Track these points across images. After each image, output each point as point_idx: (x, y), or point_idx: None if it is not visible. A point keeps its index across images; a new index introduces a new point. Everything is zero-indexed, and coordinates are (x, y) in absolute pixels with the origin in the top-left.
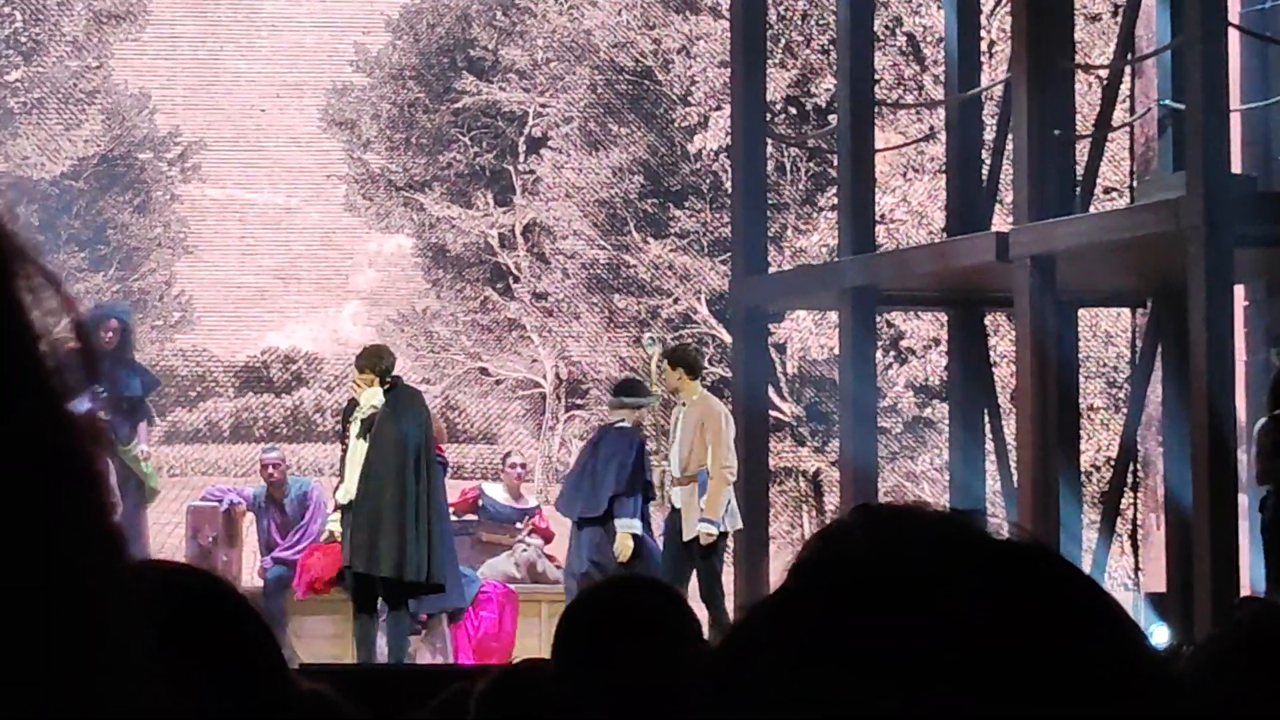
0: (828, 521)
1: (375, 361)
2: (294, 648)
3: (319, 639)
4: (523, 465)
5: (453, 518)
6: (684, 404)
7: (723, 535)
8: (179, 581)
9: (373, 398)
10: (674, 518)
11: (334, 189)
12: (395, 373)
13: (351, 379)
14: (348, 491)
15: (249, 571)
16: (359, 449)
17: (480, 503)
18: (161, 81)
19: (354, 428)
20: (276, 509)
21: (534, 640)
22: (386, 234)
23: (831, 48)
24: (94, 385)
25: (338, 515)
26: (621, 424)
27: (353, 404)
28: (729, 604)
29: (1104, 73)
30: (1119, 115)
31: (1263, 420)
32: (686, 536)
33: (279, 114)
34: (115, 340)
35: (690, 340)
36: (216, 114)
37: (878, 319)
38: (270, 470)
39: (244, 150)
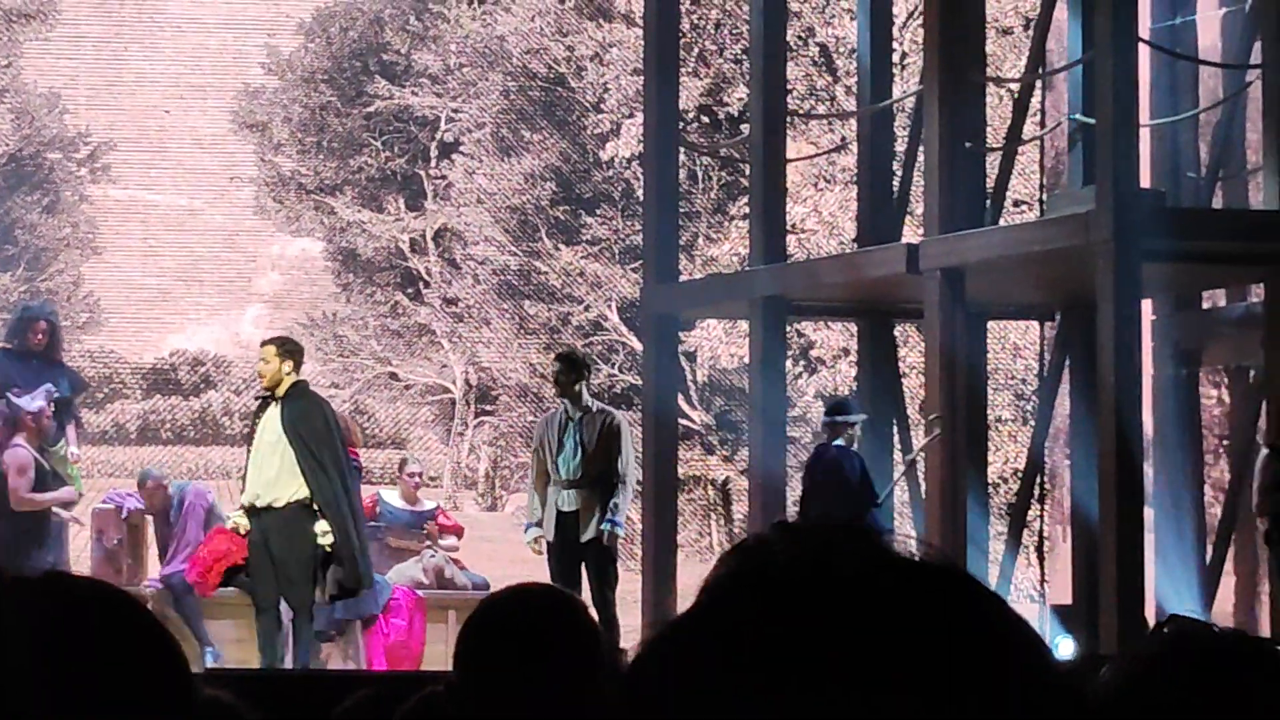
0: (737, 531)
1: (290, 353)
2: (215, 642)
3: (224, 643)
4: (420, 473)
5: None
6: (583, 409)
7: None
8: (69, 592)
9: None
10: (565, 520)
11: (238, 191)
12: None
13: (264, 359)
14: (253, 494)
15: (154, 574)
16: (265, 449)
17: (378, 509)
18: (66, 81)
19: (265, 427)
20: (162, 519)
21: (441, 647)
22: (291, 238)
23: (744, 57)
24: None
25: (240, 511)
26: (838, 443)
27: (264, 405)
28: (637, 611)
29: (1015, 86)
30: (1029, 129)
31: (1264, 452)
32: (585, 537)
33: (183, 115)
34: (45, 341)
35: (599, 347)
36: (120, 114)
37: (788, 329)
38: (149, 500)
39: (147, 151)
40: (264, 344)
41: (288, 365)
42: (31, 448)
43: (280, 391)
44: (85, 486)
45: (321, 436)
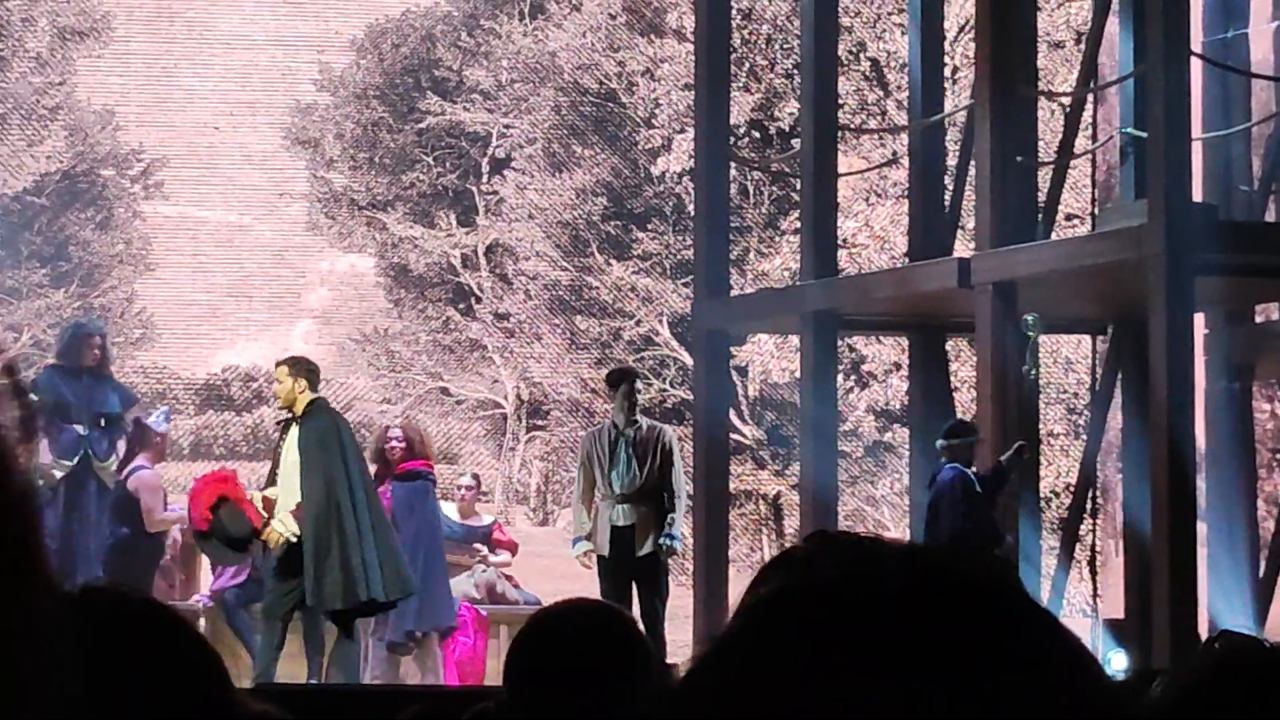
0: (788, 545)
1: (302, 372)
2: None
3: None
4: (469, 486)
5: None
6: (634, 424)
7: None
8: (118, 608)
9: (305, 408)
10: (619, 535)
11: (287, 207)
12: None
13: (278, 380)
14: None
15: (208, 588)
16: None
17: None
18: (117, 99)
19: (288, 447)
20: None
21: (493, 663)
22: (341, 253)
23: (795, 72)
24: (28, 443)
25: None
26: (951, 465)
27: (286, 426)
28: (688, 626)
29: (1067, 100)
30: (1081, 142)
31: None
32: (642, 552)
33: (232, 131)
34: (100, 358)
35: (650, 362)
36: (170, 131)
37: (839, 343)
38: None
39: (197, 168)
40: (277, 365)
41: (301, 384)
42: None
43: (298, 410)
44: None
45: (328, 453)
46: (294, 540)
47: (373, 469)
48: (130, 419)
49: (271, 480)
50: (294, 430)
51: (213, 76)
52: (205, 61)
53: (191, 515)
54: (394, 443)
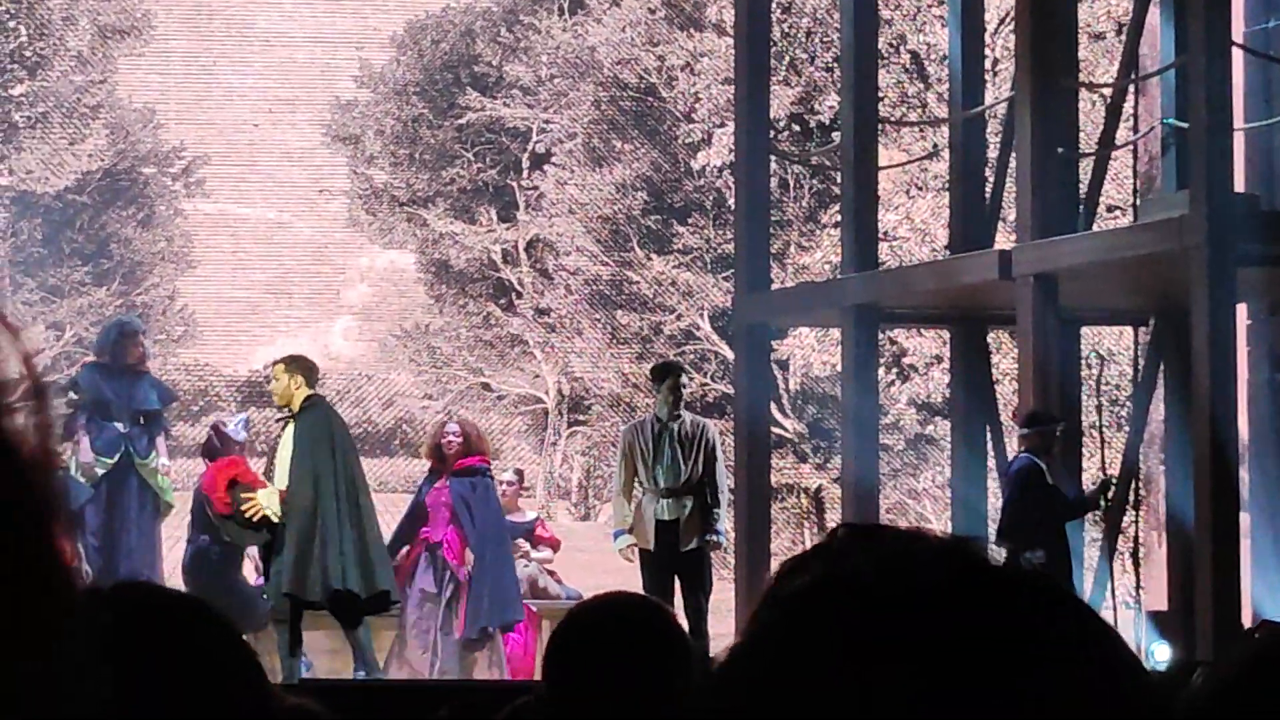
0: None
1: (297, 370)
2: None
3: (319, 654)
4: (511, 482)
5: None
6: (679, 416)
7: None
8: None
9: (300, 403)
10: (663, 529)
11: (326, 204)
12: (318, 390)
13: (275, 378)
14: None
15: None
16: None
17: None
18: (156, 96)
19: (283, 443)
20: None
21: (534, 658)
22: (380, 250)
23: (835, 65)
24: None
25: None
26: (1025, 454)
27: (286, 424)
28: (730, 620)
29: (1107, 91)
30: (1122, 134)
31: None
32: (687, 547)
33: (271, 129)
34: (143, 355)
35: (691, 356)
36: (210, 129)
37: (880, 336)
38: None
39: (236, 165)
40: (274, 363)
41: (297, 380)
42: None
43: (295, 407)
44: (182, 500)
45: (319, 448)
46: (275, 521)
47: (428, 464)
48: (211, 425)
49: (269, 477)
50: (290, 427)
51: (252, 74)
52: (244, 59)
53: (215, 505)
54: (450, 438)
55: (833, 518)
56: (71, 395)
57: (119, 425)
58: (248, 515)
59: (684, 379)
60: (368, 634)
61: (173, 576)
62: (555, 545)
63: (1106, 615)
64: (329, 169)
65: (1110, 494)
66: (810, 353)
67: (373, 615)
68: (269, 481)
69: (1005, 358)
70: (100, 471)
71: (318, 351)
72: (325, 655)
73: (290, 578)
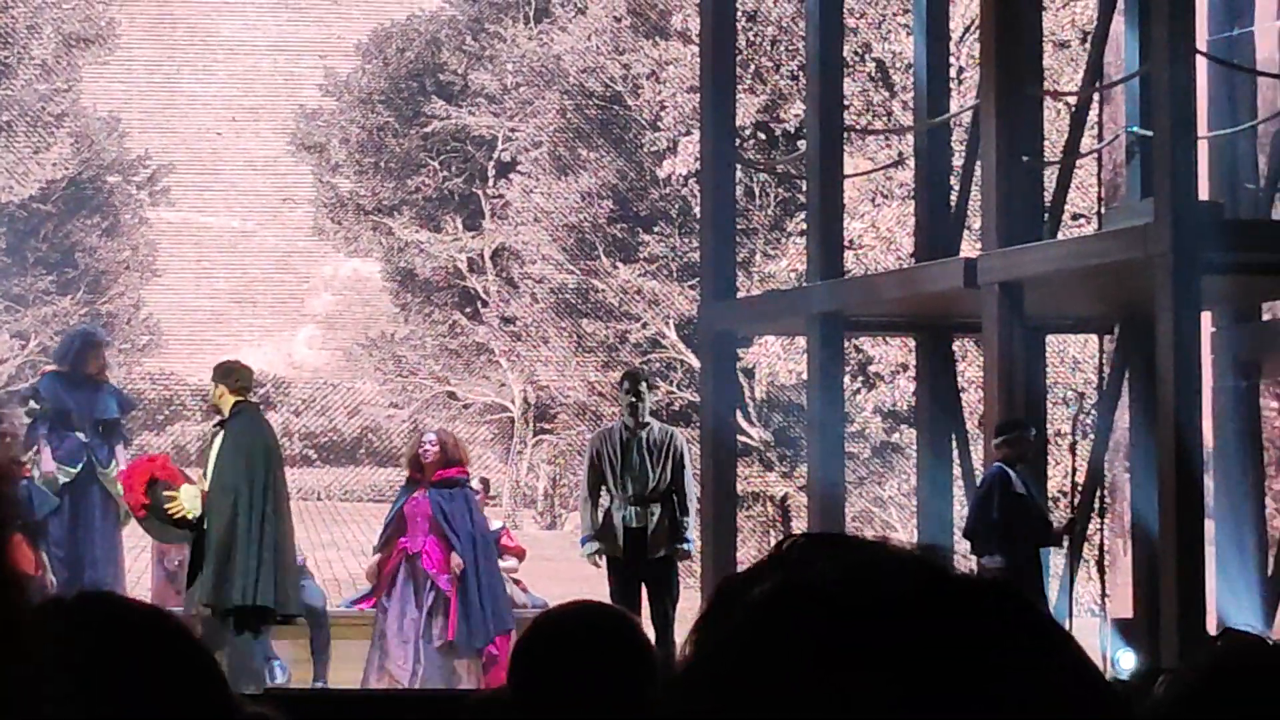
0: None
1: (225, 376)
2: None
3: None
4: (477, 491)
5: None
6: (647, 424)
7: None
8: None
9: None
10: (631, 537)
11: (290, 212)
12: (248, 396)
13: (210, 388)
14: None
15: None
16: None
17: None
18: (119, 104)
19: (210, 451)
20: None
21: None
22: (344, 258)
23: (801, 73)
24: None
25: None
26: (997, 464)
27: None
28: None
29: (1072, 99)
30: (1087, 142)
31: None
32: (654, 555)
33: (235, 137)
34: (103, 365)
35: (657, 364)
36: (173, 137)
37: (846, 344)
38: None
39: (200, 174)
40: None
41: (222, 389)
42: None
43: (225, 413)
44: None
45: (240, 456)
46: (193, 520)
47: (406, 475)
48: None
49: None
50: (220, 434)
51: (215, 82)
52: (208, 67)
53: (129, 503)
54: (428, 447)
55: (799, 526)
56: (32, 404)
57: (80, 435)
58: (170, 513)
59: (642, 386)
60: (258, 645)
61: (138, 586)
62: (520, 554)
63: (1071, 623)
64: (293, 177)
65: (1074, 531)
66: (776, 361)
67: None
68: (197, 479)
69: (971, 366)
70: (63, 480)
71: (281, 360)
72: (289, 665)
73: (210, 588)
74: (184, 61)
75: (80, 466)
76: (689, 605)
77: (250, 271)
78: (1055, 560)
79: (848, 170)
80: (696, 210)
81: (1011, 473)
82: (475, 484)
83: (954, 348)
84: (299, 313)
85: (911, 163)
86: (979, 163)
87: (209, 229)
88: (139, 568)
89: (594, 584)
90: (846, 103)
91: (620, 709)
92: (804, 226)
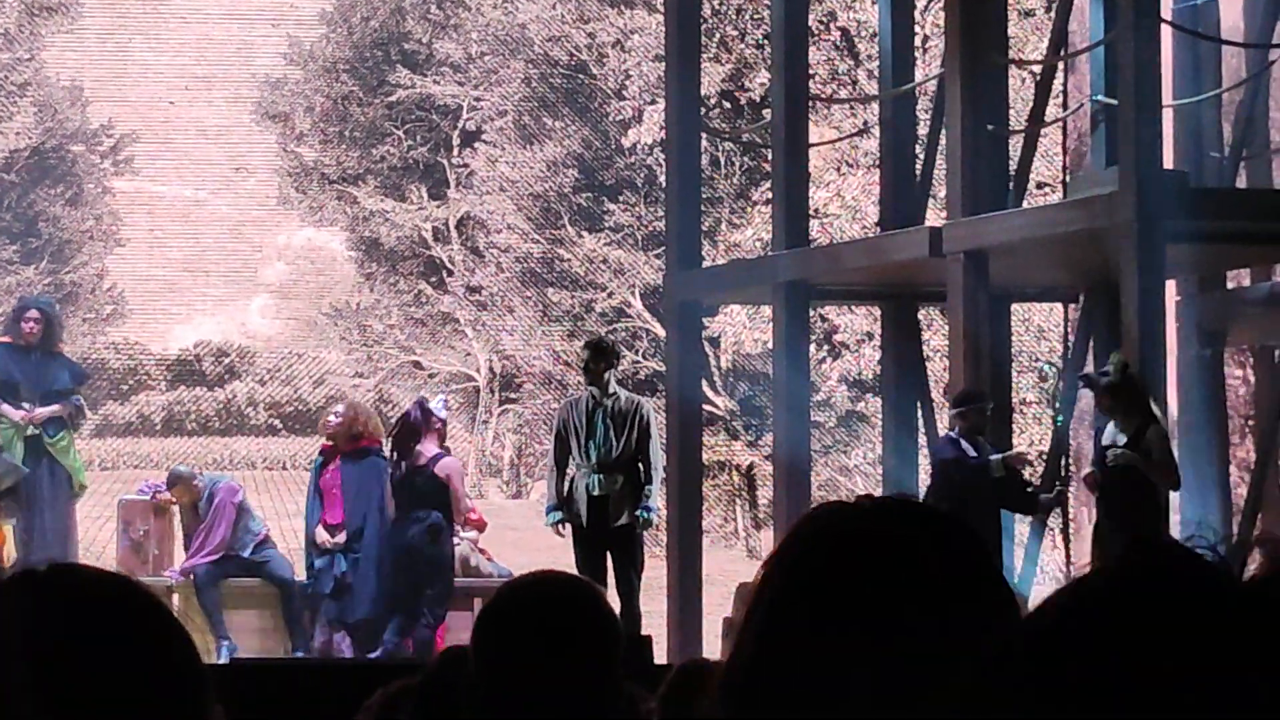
0: (761, 515)
1: None
2: (233, 635)
3: (248, 632)
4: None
5: None
6: (612, 396)
7: None
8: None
9: None
10: (595, 505)
11: (243, 181)
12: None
13: None
14: None
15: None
16: None
17: None
18: (73, 73)
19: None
20: (190, 511)
21: (467, 635)
22: (298, 227)
23: (766, 42)
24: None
25: None
26: (948, 433)
27: None
28: (662, 598)
29: (1037, 68)
30: (1052, 110)
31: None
32: (618, 523)
33: (188, 107)
34: (37, 331)
35: (622, 334)
36: (125, 107)
37: (811, 313)
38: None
39: (152, 143)
40: None
41: None
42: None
43: None
44: (112, 478)
45: None
46: None
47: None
48: (416, 401)
49: None
50: None
51: (168, 51)
52: (160, 35)
53: None
54: (330, 418)
55: (764, 495)
56: None
57: (26, 406)
58: None
59: (598, 354)
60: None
61: (103, 555)
62: (481, 526)
63: (1036, 590)
64: (246, 146)
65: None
66: (741, 330)
67: None
68: None
69: (936, 334)
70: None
71: (235, 329)
72: (255, 634)
73: None
74: (136, 30)
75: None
76: (655, 575)
77: (203, 241)
78: (1020, 529)
79: (813, 139)
80: (662, 179)
81: (964, 442)
82: None
83: (919, 316)
84: (252, 282)
85: (877, 131)
86: (944, 131)
87: (161, 198)
88: (104, 538)
89: (559, 553)
90: (812, 72)
91: (584, 678)
92: (769, 195)
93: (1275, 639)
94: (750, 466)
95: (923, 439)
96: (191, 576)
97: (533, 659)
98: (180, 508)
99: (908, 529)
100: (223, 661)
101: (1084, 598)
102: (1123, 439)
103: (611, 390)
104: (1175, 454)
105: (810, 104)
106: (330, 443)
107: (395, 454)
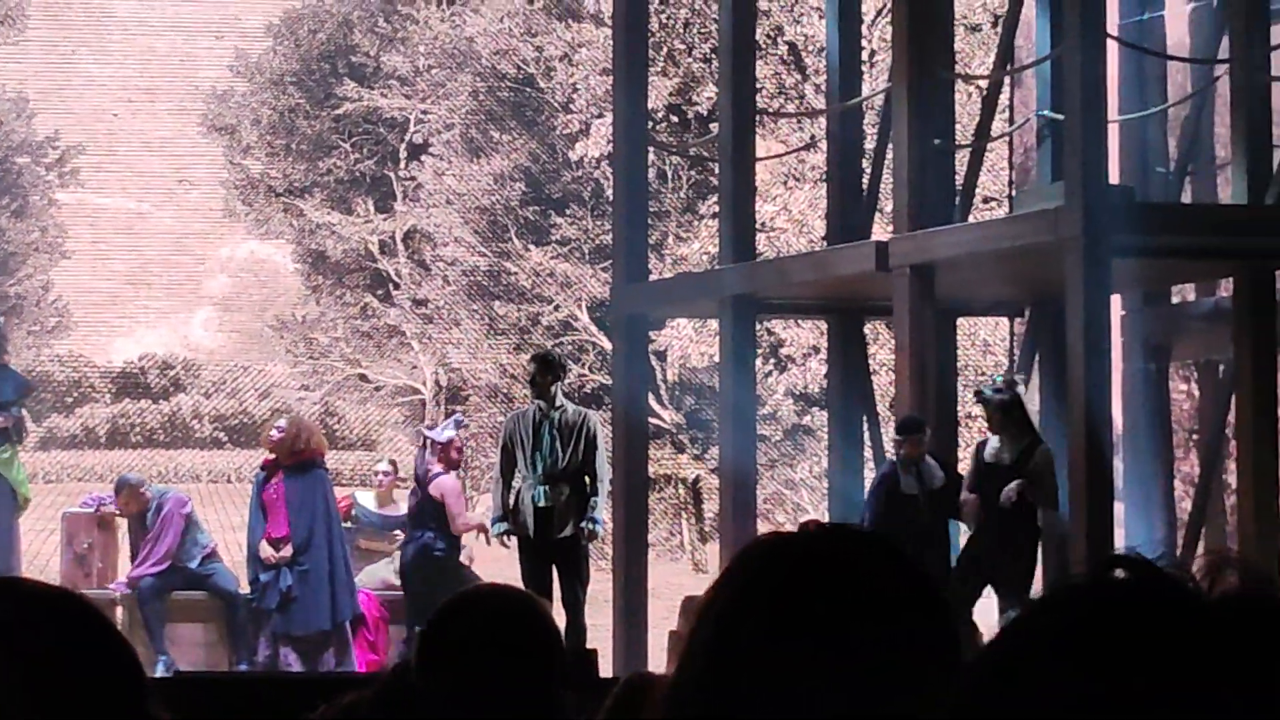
0: (707, 529)
1: None
2: (170, 652)
3: (193, 645)
4: (387, 473)
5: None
6: (559, 409)
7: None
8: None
9: None
10: (540, 517)
11: (186, 194)
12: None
13: None
14: None
15: (124, 577)
16: None
17: (354, 511)
18: (16, 85)
19: None
20: (138, 522)
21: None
22: (241, 240)
23: (713, 56)
24: None
25: None
26: (890, 460)
27: None
28: (608, 610)
29: (984, 83)
30: (998, 125)
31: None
32: (562, 535)
33: (131, 118)
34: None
35: (569, 347)
36: (69, 118)
37: (758, 327)
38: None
39: (95, 155)
40: None
41: None
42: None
43: None
44: (56, 491)
45: None
46: None
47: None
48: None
49: None
50: None
51: (111, 63)
52: (104, 47)
53: None
54: (273, 433)
55: (710, 508)
56: None
57: None
58: None
59: (545, 367)
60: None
61: (47, 569)
62: None
63: (985, 605)
64: (190, 158)
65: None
66: (688, 344)
67: None
68: None
69: (882, 349)
70: None
71: (178, 342)
72: (200, 648)
73: None
74: (80, 41)
75: None
76: (601, 588)
77: (146, 253)
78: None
79: (760, 153)
80: (609, 193)
81: (901, 475)
82: (385, 465)
83: (865, 330)
84: (195, 294)
85: (824, 146)
86: (891, 146)
87: (104, 210)
88: (47, 551)
89: (505, 565)
90: (759, 86)
91: (526, 693)
92: (716, 209)
93: (1252, 657)
94: (696, 480)
95: (868, 453)
96: (135, 590)
97: (475, 673)
98: (128, 518)
99: (852, 551)
100: (162, 675)
101: (1053, 614)
102: (1007, 456)
103: (559, 403)
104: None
105: (757, 118)
106: (272, 456)
107: (414, 479)
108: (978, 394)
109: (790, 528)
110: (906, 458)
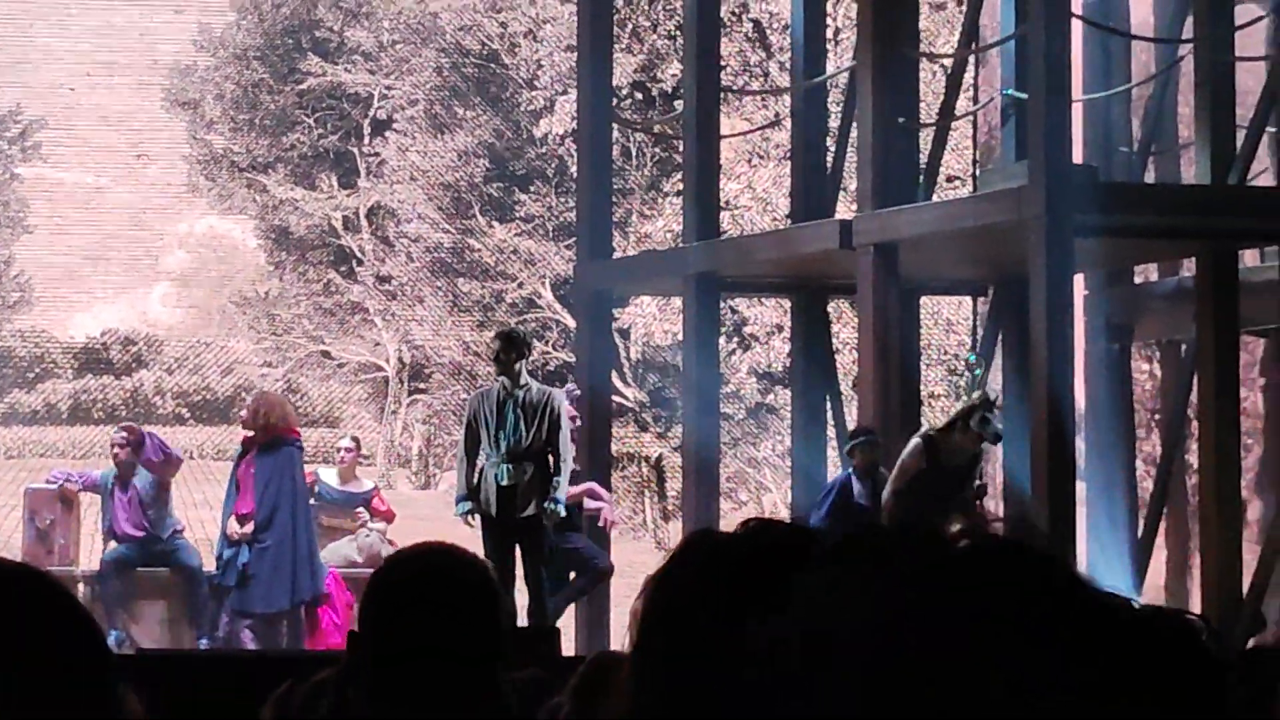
0: (670, 508)
1: None
2: (130, 630)
3: (155, 622)
4: (349, 449)
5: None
6: (523, 387)
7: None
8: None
9: None
10: (503, 495)
11: (144, 169)
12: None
13: None
14: None
15: (86, 554)
16: None
17: (316, 488)
18: None
19: None
20: (124, 490)
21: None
22: (199, 215)
23: (678, 33)
24: None
25: None
26: (845, 472)
27: None
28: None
29: (948, 61)
30: (962, 104)
31: (915, 441)
32: (524, 514)
33: (89, 92)
34: None
35: (533, 324)
36: (27, 92)
37: (721, 305)
38: (116, 450)
39: (53, 129)
40: None
41: None
42: None
43: None
44: (17, 467)
45: None
46: None
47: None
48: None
49: None
50: None
51: (70, 36)
52: (62, 21)
53: None
54: (244, 412)
55: (674, 486)
56: None
57: None
58: None
59: (510, 345)
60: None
61: (8, 546)
62: (390, 518)
63: None
64: (149, 133)
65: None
66: (651, 321)
67: None
68: None
69: (845, 327)
70: None
71: (136, 317)
72: (163, 624)
73: None
74: (38, 15)
75: None
76: None
77: (105, 228)
78: None
79: (724, 131)
80: (573, 170)
81: (856, 483)
82: (347, 442)
83: (829, 309)
84: (153, 270)
85: (788, 124)
86: (855, 124)
87: (62, 185)
88: (9, 526)
89: (468, 543)
90: (724, 63)
91: (466, 646)
92: (680, 187)
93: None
94: (659, 458)
95: (831, 431)
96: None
97: (414, 626)
98: (120, 464)
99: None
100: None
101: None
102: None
103: (523, 381)
104: (1083, 447)
105: (722, 95)
106: (250, 433)
107: None
108: (992, 433)
109: (753, 506)
110: (859, 467)
